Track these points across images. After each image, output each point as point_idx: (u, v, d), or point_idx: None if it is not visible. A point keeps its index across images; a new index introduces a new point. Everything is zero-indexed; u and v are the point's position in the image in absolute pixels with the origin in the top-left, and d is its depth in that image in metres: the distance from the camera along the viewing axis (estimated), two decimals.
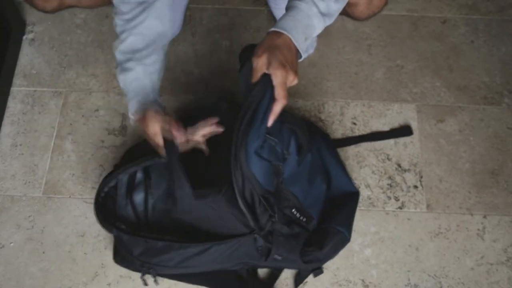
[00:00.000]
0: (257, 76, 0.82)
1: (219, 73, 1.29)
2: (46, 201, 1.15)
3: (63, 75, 1.30)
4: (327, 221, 1.02)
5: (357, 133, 1.22)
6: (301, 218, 0.98)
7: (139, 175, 1.05)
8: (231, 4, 1.39)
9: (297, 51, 0.84)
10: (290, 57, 0.82)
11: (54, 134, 1.22)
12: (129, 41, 0.97)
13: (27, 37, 1.36)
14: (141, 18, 0.96)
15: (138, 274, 1.06)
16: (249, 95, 0.81)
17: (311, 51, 1.31)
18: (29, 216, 1.13)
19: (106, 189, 1.02)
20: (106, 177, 1.03)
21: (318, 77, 1.29)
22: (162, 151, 0.95)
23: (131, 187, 1.04)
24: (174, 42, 1.33)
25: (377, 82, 1.28)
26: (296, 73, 0.82)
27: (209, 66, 1.30)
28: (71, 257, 1.09)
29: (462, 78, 1.29)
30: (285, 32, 0.83)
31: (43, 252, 1.10)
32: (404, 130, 1.20)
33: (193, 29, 1.35)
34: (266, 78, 0.81)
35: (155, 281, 1.00)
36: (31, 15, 1.38)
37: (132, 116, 0.98)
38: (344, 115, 1.24)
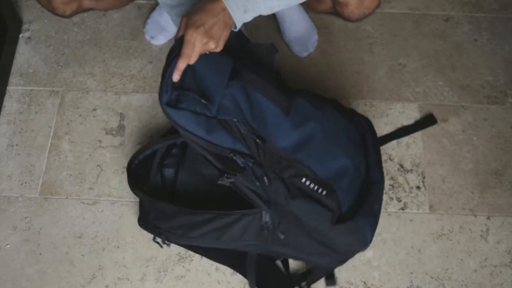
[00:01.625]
0: (178, 34, 0.84)
1: None
2: (43, 202, 1.15)
3: (60, 74, 1.30)
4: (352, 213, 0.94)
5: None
6: (318, 190, 0.89)
7: (176, 150, 1.12)
8: None
9: (230, 21, 0.83)
10: (212, 22, 0.81)
11: (51, 134, 1.22)
12: None
13: (23, 35, 1.36)
14: None
15: (137, 276, 1.07)
16: (171, 49, 0.85)
17: (311, 50, 1.31)
18: (26, 217, 1.13)
19: (141, 157, 1.08)
20: (144, 146, 1.08)
21: (319, 76, 1.29)
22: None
23: (165, 158, 1.12)
24: (171, 41, 1.32)
25: (379, 81, 1.28)
26: (212, 38, 0.81)
27: None
28: (68, 259, 1.09)
29: (465, 77, 1.29)
30: None
31: (40, 254, 1.10)
32: (428, 120, 1.22)
33: None
34: (182, 38, 0.84)
35: (168, 245, 1.05)
36: (27, 13, 1.38)
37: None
38: None
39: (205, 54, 0.85)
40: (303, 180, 0.90)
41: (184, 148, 1.13)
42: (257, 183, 0.89)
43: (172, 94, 0.85)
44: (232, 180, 0.88)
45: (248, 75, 0.89)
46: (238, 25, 0.85)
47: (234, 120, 0.87)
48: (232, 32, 0.86)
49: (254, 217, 0.96)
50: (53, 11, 1.12)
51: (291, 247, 0.98)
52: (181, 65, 0.83)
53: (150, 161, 1.10)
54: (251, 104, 0.89)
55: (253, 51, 0.95)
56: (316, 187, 0.90)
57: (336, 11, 1.13)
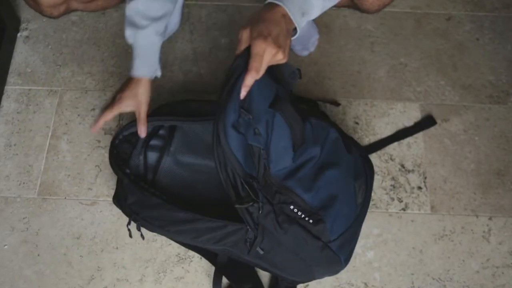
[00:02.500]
0: (240, 48, 0.81)
1: (219, 71, 1.29)
2: (41, 203, 1.15)
3: (58, 74, 1.30)
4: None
5: (360, 132, 1.22)
6: (305, 217, 0.91)
7: (163, 132, 1.07)
8: (230, 1, 1.39)
9: (291, 27, 0.82)
10: (277, 31, 0.79)
11: (49, 134, 1.22)
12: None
13: (21, 34, 1.36)
14: None
15: (136, 277, 1.07)
16: (232, 66, 0.81)
17: (312, 49, 1.31)
18: (24, 218, 1.13)
19: (125, 133, 1.03)
20: (130, 122, 1.04)
21: (319, 75, 1.29)
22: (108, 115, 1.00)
23: (150, 139, 1.06)
24: (172, 40, 1.33)
25: (380, 81, 1.28)
26: (280, 47, 0.78)
27: (208, 64, 1.30)
28: (67, 260, 1.09)
29: (467, 76, 1.29)
30: (280, 3, 0.80)
31: (38, 255, 1.10)
32: (428, 121, 1.21)
33: (192, 27, 1.35)
34: (248, 51, 0.80)
35: (141, 235, 1.01)
36: (25, 12, 1.38)
37: (134, 74, 0.99)
38: (346, 115, 1.24)
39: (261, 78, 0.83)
40: (291, 207, 0.91)
41: (172, 131, 1.08)
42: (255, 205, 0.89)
43: (236, 115, 0.82)
44: (254, 207, 0.87)
45: (285, 106, 0.89)
46: (299, 30, 0.83)
47: (261, 147, 0.86)
48: None
49: (239, 229, 0.93)
50: (41, 13, 1.13)
51: (266, 261, 0.97)
52: (250, 80, 0.80)
53: (135, 139, 1.04)
54: (272, 131, 0.89)
55: (278, 68, 0.93)
56: (303, 215, 0.91)
57: (355, 4, 1.13)
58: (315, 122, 0.98)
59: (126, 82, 1.01)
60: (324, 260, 0.94)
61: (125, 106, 0.99)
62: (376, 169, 1.17)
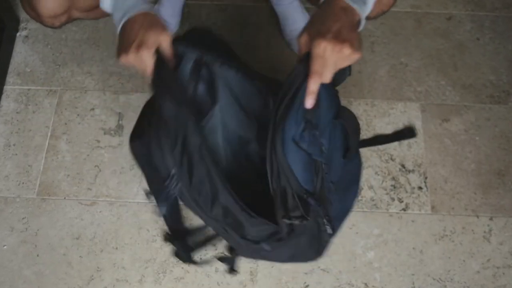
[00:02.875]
0: (300, 53, 0.73)
1: None
2: (40, 203, 1.15)
3: (57, 73, 1.30)
4: None
5: (360, 132, 1.22)
6: (328, 230, 0.87)
7: (205, 72, 0.88)
8: (230, 1, 1.39)
9: (355, 19, 0.73)
10: (337, 26, 0.69)
11: (49, 134, 1.22)
12: None
13: (20, 34, 1.36)
14: None
15: (135, 277, 1.07)
16: (291, 74, 0.73)
17: None
18: (23, 218, 1.13)
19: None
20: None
21: None
22: (148, 71, 0.79)
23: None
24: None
25: (381, 81, 1.29)
26: (344, 42, 0.68)
27: None
28: (66, 260, 1.09)
29: (468, 76, 1.29)
30: None
31: (37, 255, 1.10)
32: (408, 132, 1.16)
33: (192, 26, 1.35)
34: (308, 56, 0.72)
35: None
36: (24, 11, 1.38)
37: (124, 19, 0.80)
38: None
39: (325, 85, 0.74)
40: (325, 220, 0.86)
41: (212, 80, 0.89)
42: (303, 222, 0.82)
43: (301, 126, 0.73)
44: (303, 223, 0.80)
45: (347, 115, 0.83)
46: (363, 21, 0.75)
47: (323, 162, 0.78)
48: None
49: (267, 227, 0.86)
50: (42, 23, 1.13)
51: (259, 252, 0.92)
52: (314, 86, 0.71)
53: (178, 61, 0.84)
54: (329, 144, 0.81)
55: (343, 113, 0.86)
56: (327, 227, 0.87)
57: None
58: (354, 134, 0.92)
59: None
60: (313, 252, 0.93)
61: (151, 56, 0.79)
62: (376, 169, 1.18)
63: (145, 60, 0.77)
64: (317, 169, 0.78)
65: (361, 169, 1.01)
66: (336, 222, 0.91)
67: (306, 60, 0.72)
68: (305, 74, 0.72)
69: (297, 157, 0.75)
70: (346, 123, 0.84)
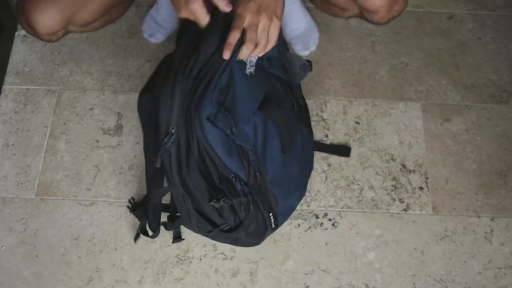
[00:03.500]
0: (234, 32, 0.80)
1: None
2: (39, 203, 1.15)
3: (56, 73, 1.30)
4: None
5: (361, 132, 1.22)
6: (272, 225, 1.00)
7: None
8: None
9: None
10: (267, 2, 0.80)
11: (47, 134, 1.22)
12: None
13: (19, 33, 1.36)
14: None
15: (134, 278, 1.07)
16: (210, 59, 0.81)
17: (313, 48, 1.31)
18: (22, 219, 1.13)
19: None
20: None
21: (320, 75, 1.29)
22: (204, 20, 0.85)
23: None
24: (169, 39, 1.33)
25: (381, 80, 1.29)
26: (273, 15, 0.80)
27: None
28: (65, 261, 1.09)
29: (469, 76, 1.29)
30: None
31: (36, 256, 1.10)
32: (343, 150, 1.18)
33: None
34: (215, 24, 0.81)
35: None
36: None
37: None
38: (347, 114, 1.24)
39: (246, 75, 0.84)
40: (270, 214, 0.98)
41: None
42: (242, 209, 0.92)
43: (214, 109, 0.81)
44: (228, 203, 0.89)
45: (275, 109, 0.90)
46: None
47: (249, 148, 0.87)
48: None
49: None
50: (38, 38, 1.14)
51: (204, 229, 1.01)
52: (232, 38, 0.79)
53: None
54: (265, 136, 0.91)
55: (289, 59, 0.95)
56: (273, 222, 1.00)
57: (364, 17, 1.14)
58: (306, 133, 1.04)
59: None
60: (254, 241, 1.05)
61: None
62: (377, 169, 1.18)
63: (196, 11, 0.83)
64: (244, 155, 0.86)
65: (309, 171, 1.11)
66: (280, 217, 1.01)
67: (215, 30, 0.81)
68: (222, 60, 0.80)
69: (214, 137, 0.82)
70: (273, 117, 0.90)
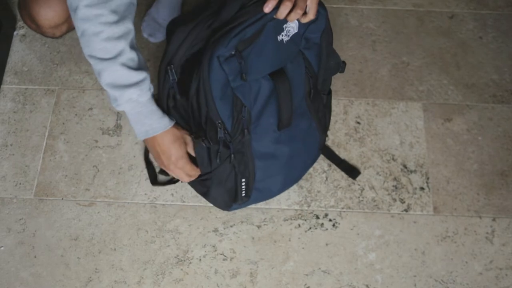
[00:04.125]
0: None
1: None
2: (38, 204, 1.15)
3: (55, 72, 1.30)
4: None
5: (361, 132, 1.22)
6: (242, 192, 1.03)
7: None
8: None
9: None
10: None
11: (46, 134, 1.22)
12: None
13: (18, 33, 1.36)
14: None
15: (134, 279, 1.07)
16: (250, 6, 0.84)
17: None
18: (20, 219, 1.13)
19: None
20: None
21: None
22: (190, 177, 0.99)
23: None
24: None
25: (382, 80, 1.28)
26: None
27: None
28: (64, 262, 1.09)
29: (470, 75, 1.29)
30: None
31: (35, 257, 1.10)
32: (354, 172, 1.17)
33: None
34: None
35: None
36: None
37: (149, 135, 0.93)
38: (348, 114, 1.24)
39: (276, 40, 0.86)
40: (243, 180, 1.01)
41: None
42: (217, 159, 0.96)
43: (227, 52, 0.83)
44: (205, 145, 0.94)
45: (285, 83, 0.93)
46: None
47: (245, 104, 0.90)
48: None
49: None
50: (43, 34, 1.14)
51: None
52: (294, 16, 0.82)
53: None
54: (265, 104, 0.93)
55: (328, 51, 0.97)
56: (243, 191, 1.03)
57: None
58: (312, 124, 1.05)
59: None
60: (224, 204, 1.08)
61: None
62: (378, 169, 1.18)
63: (186, 168, 0.97)
64: (238, 109, 0.90)
65: (303, 165, 1.12)
66: (254, 191, 1.05)
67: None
68: (255, 13, 0.83)
69: (216, 77, 0.85)
70: (280, 90, 0.93)
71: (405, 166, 1.18)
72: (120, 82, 0.86)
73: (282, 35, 0.88)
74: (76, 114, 1.25)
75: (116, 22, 0.84)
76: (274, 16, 0.83)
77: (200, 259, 1.09)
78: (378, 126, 1.23)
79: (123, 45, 0.85)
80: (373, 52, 1.32)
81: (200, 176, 1.01)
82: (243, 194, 1.04)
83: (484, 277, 1.07)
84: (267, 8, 0.82)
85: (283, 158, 1.03)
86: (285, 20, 0.86)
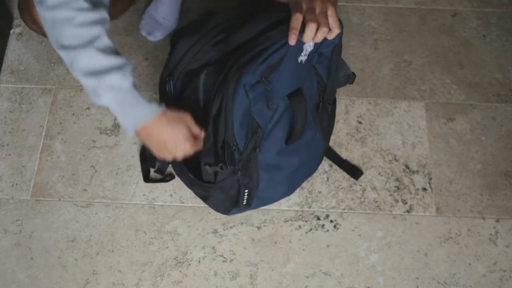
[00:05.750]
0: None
1: None
2: (35, 204, 1.15)
3: (52, 71, 1.30)
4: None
5: (363, 132, 1.22)
6: (244, 201, 1.04)
7: None
8: None
9: None
10: None
11: (43, 134, 1.22)
12: None
13: (14, 31, 1.36)
14: None
15: (132, 281, 1.07)
16: (269, 33, 0.83)
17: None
18: (17, 220, 1.13)
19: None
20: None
21: None
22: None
23: None
24: (168, 37, 1.32)
25: (384, 79, 1.28)
26: (326, 0, 0.80)
27: None
28: (61, 264, 1.09)
29: (474, 74, 1.29)
30: None
31: (32, 258, 1.10)
32: (356, 172, 1.17)
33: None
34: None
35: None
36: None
37: (139, 125, 0.83)
38: (349, 114, 1.24)
39: (297, 62, 0.86)
40: (246, 191, 1.02)
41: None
42: (223, 174, 0.96)
43: (253, 80, 0.83)
44: (223, 170, 0.92)
45: (302, 103, 0.93)
46: None
47: (261, 126, 0.91)
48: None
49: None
50: (44, 35, 1.15)
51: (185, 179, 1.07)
52: (294, 22, 0.80)
53: None
54: (279, 120, 0.94)
55: (338, 63, 0.97)
56: (244, 200, 1.04)
57: None
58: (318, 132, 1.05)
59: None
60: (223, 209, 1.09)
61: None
62: (379, 169, 1.18)
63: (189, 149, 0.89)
64: (253, 130, 0.91)
65: (305, 175, 1.13)
66: (256, 199, 1.05)
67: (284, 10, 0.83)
68: (280, 39, 0.82)
69: (240, 103, 0.85)
70: (297, 110, 0.94)
71: (407, 167, 1.18)
72: (97, 67, 0.77)
73: (302, 56, 0.88)
74: (73, 114, 1.25)
75: (90, 9, 0.77)
76: (300, 39, 0.82)
77: (199, 261, 1.09)
78: (380, 126, 1.23)
79: (99, 30, 0.77)
80: (375, 51, 1.32)
81: (203, 182, 1.00)
82: (244, 203, 1.05)
83: (488, 279, 1.07)
84: (292, 41, 0.80)
85: (287, 169, 1.04)
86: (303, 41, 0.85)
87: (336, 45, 0.92)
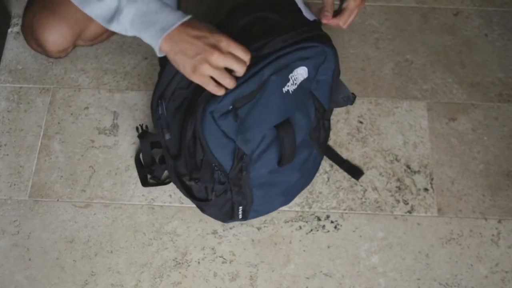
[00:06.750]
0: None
1: None
2: (33, 205, 1.15)
3: (50, 71, 1.30)
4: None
5: (364, 132, 1.22)
6: (239, 216, 1.05)
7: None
8: None
9: None
10: None
11: (41, 134, 1.22)
12: None
13: (12, 30, 1.36)
14: None
15: (131, 282, 1.07)
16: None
17: None
18: (15, 221, 1.13)
19: None
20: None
21: None
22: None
23: None
24: None
25: (385, 78, 1.29)
26: None
27: None
28: (59, 265, 1.09)
29: (476, 74, 1.29)
30: None
31: (29, 259, 1.10)
32: (355, 172, 1.17)
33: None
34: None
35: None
36: (16, 7, 1.38)
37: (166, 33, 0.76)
38: (350, 113, 1.24)
39: (282, 93, 0.86)
40: (240, 207, 1.03)
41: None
42: (213, 195, 0.97)
43: (224, 108, 0.82)
44: (198, 184, 0.95)
45: (290, 134, 0.92)
46: None
47: (246, 153, 0.91)
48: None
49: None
50: (47, 56, 1.17)
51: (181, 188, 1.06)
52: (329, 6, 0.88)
53: None
54: (267, 147, 0.94)
55: (337, 86, 0.97)
56: (241, 214, 1.05)
57: None
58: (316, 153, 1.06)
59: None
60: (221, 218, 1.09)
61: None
62: (380, 170, 1.18)
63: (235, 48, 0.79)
64: (238, 156, 0.91)
65: (303, 186, 1.12)
66: (251, 213, 1.06)
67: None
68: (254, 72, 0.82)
69: (210, 131, 0.85)
70: (284, 141, 0.93)
71: (408, 167, 1.18)
72: None
73: (288, 86, 0.87)
74: (71, 114, 1.25)
75: None
76: (342, 25, 0.91)
77: (198, 262, 1.09)
78: (381, 126, 1.23)
79: None
80: (376, 50, 1.32)
81: (195, 199, 1.02)
82: (240, 217, 1.06)
83: (490, 280, 1.07)
84: (325, 19, 0.89)
85: (282, 185, 1.04)
86: (290, 70, 0.85)
87: (334, 70, 0.92)
